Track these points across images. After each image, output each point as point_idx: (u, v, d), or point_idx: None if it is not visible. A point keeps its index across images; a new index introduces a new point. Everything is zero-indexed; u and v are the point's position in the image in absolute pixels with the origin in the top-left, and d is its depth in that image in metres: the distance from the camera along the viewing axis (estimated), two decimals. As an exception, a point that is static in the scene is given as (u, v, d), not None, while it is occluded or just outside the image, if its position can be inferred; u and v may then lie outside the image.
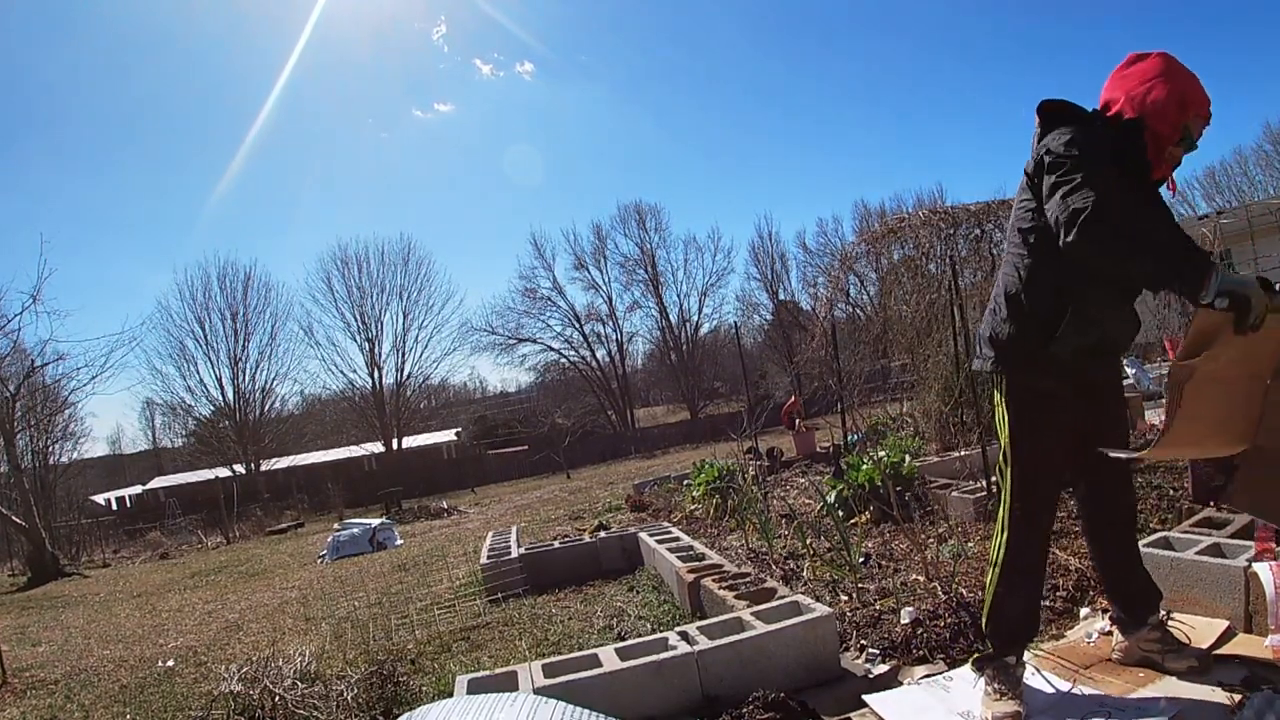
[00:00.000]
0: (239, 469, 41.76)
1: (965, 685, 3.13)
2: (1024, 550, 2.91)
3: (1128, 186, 2.59)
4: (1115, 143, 2.68)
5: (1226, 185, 46.16)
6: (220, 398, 43.92)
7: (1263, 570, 3.09)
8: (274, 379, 45.56)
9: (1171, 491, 5.30)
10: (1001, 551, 2.94)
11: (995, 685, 2.92)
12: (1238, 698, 2.67)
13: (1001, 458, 2.96)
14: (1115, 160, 2.62)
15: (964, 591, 4.16)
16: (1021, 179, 2.84)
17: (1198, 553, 3.48)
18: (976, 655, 3.08)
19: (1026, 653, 3.03)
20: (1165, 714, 2.65)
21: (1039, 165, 2.68)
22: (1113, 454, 2.62)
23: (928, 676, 3.39)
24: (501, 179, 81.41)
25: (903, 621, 3.96)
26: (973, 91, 73.58)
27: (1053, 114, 2.78)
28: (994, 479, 5.31)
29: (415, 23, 71.35)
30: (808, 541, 5.85)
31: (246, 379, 44.14)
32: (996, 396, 2.99)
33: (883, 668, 3.58)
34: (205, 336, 43.42)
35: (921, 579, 4.67)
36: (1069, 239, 2.43)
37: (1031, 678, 3.06)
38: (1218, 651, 3.04)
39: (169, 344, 43.70)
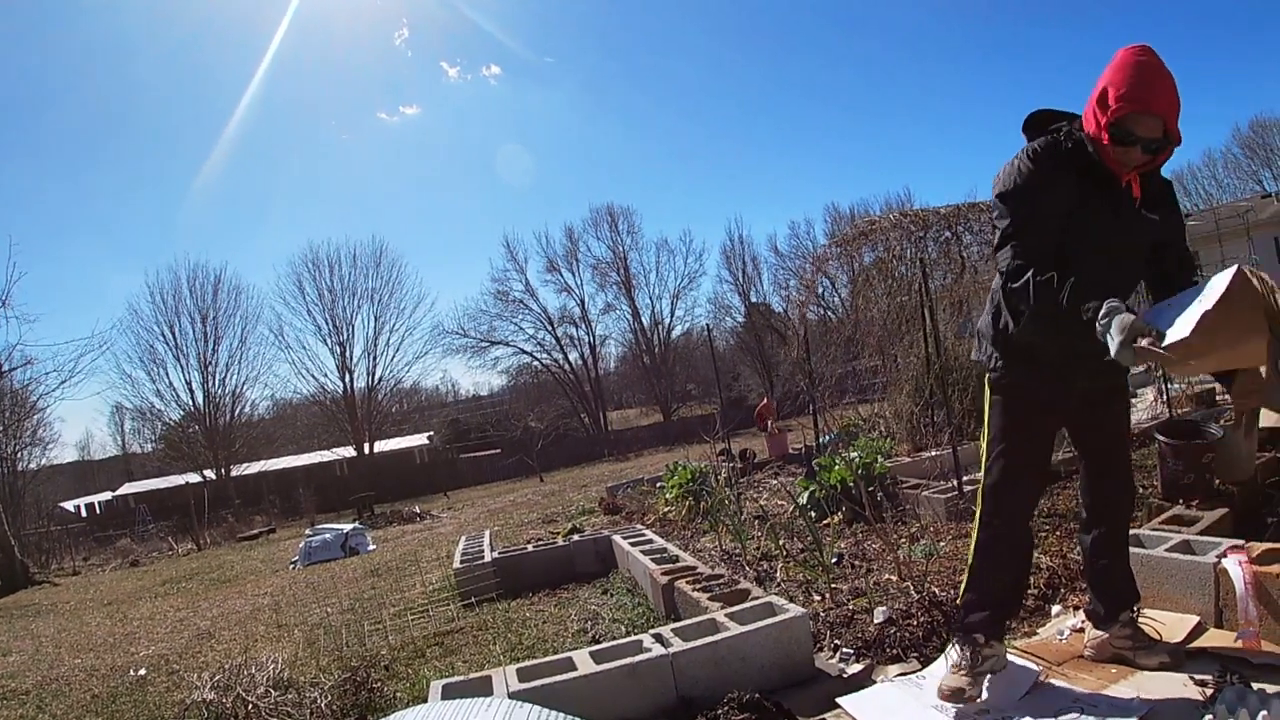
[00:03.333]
0: (209, 474, 41.26)
1: (938, 681, 3.14)
2: (997, 539, 3.00)
3: (1080, 202, 2.69)
4: (1076, 155, 2.73)
5: (1194, 188, 46.85)
6: (190, 402, 43.48)
7: (1232, 566, 3.13)
8: (244, 383, 45.12)
9: (1141, 489, 5.35)
10: (975, 535, 3.06)
11: (958, 658, 3.01)
12: (1209, 692, 2.70)
13: (984, 451, 3.04)
14: (1080, 174, 2.70)
15: (936, 590, 4.19)
16: None
17: (1168, 549, 3.52)
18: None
19: (996, 643, 3.03)
20: (1138, 710, 2.67)
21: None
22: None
23: (902, 675, 3.41)
24: (471, 181, 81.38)
25: (876, 621, 3.98)
26: (941, 95, 74.14)
27: (1027, 132, 2.86)
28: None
29: (378, 27, 71.18)
30: (781, 543, 5.87)
31: (216, 383, 43.71)
32: (987, 391, 3.05)
33: (857, 667, 3.60)
34: (175, 340, 42.96)
35: (894, 578, 4.69)
36: (1005, 287, 2.72)
37: (1005, 673, 3.08)
38: (1189, 646, 3.07)
39: (139, 348, 43.08)
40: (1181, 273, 2.79)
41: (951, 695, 2.95)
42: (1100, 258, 2.72)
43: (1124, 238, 2.75)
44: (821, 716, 3.20)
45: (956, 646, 3.05)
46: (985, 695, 2.95)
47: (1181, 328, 2.29)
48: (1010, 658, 3.15)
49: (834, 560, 5.29)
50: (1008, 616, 3.15)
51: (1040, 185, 2.70)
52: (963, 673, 2.97)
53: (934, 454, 8.09)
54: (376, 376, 46.79)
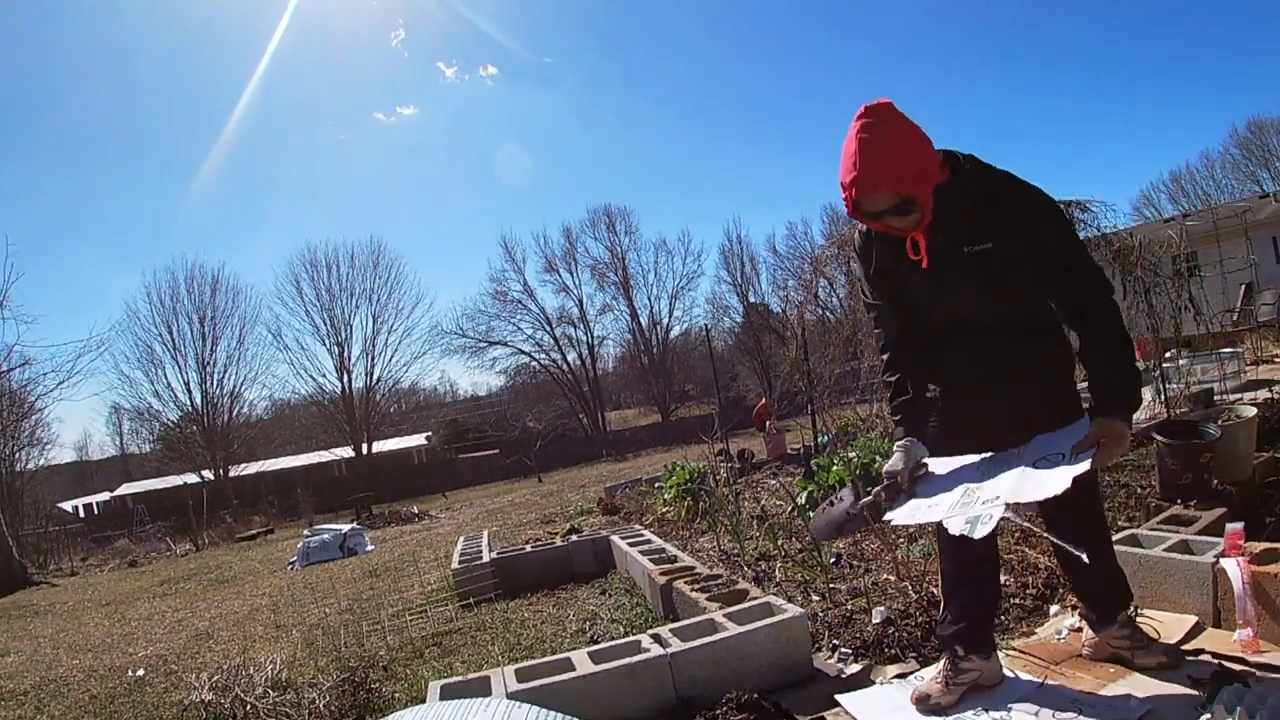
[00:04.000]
0: (208, 475, 41.27)
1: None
2: (952, 562, 3.02)
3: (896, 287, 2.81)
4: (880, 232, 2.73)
5: (1193, 189, 46.92)
6: (188, 403, 43.45)
7: (1230, 566, 3.12)
8: (242, 383, 45.10)
9: (1139, 489, 5.35)
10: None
11: (942, 665, 3.05)
12: (1207, 692, 2.70)
13: None
14: (889, 249, 2.73)
15: (935, 590, 4.18)
16: None
17: (1166, 549, 3.52)
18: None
19: (977, 658, 3.00)
20: (1136, 710, 2.67)
21: None
22: None
23: (900, 675, 3.40)
24: (469, 181, 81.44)
25: (874, 621, 3.99)
26: (938, 96, 74.09)
27: None
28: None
29: (375, 27, 71.37)
30: (779, 543, 5.87)
31: (214, 384, 43.68)
32: None
33: (855, 667, 3.60)
34: (173, 340, 42.95)
35: (892, 578, 4.70)
36: None
37: (1004, 673, 3.08)
38: (1187, 647, 3.07)
39: (136, 348, 42.94)
40: (1072, 290, 2.63)
41: (918, 700, 2.99)
42: (936, 324, 2.80)
43: (946, 292, 2.71)
44: (820, 716, 3.20)
45: (943, 655, 3.08)
46: (960, 707, 2.93)
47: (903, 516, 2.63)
48: (1009, 673, 3.12)
49: (832, 560, 5.30)
50: (983, 628, 3.04)
51: (865, 278, 2.87)
52: (938, 681, 3.00)
53: (932, 454, 8.08)
54: (375, 377, 46.87)
